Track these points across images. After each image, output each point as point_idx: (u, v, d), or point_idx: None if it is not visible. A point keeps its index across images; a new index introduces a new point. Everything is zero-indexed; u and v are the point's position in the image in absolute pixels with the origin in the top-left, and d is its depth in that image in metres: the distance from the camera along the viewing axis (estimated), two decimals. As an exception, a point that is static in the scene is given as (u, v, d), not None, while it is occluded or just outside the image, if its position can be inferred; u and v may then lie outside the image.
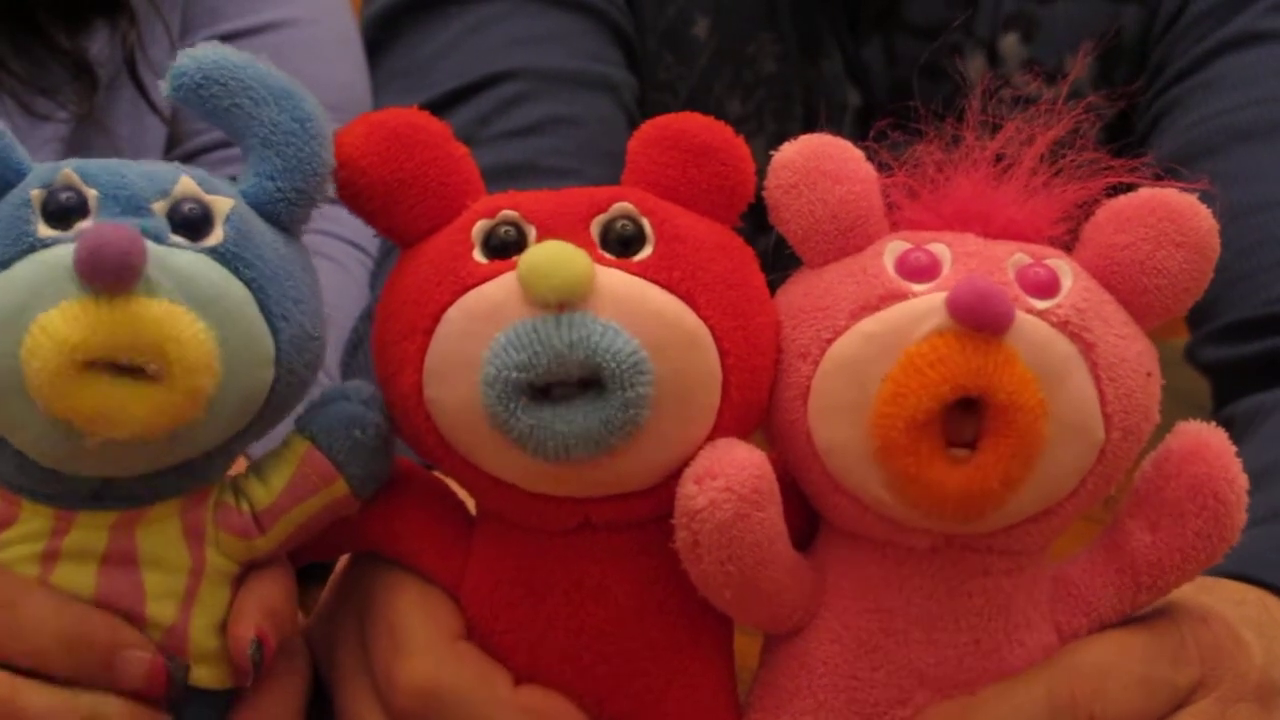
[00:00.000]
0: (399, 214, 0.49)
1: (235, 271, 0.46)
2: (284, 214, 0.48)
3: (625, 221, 0.47)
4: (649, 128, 0.51)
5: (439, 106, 0.86)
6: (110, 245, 0.42)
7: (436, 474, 0.53)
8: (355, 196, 0.49)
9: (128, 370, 0.43)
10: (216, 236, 0.46)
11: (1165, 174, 0.49)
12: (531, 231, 0.47)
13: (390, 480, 0.52)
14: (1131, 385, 0.46)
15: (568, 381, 0.44)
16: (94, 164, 0.46)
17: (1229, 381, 0.79)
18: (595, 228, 0.47)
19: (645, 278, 0.46)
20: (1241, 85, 0.83)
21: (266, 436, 0.50)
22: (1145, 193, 0.48)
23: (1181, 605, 0.50)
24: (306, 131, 0.48)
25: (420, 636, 0.49)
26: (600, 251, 0.47)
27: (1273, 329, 0.76)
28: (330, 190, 0.49)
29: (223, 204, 0.46)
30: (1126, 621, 0.49)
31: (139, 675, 0.48)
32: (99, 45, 0.81)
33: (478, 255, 0.47)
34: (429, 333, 0.46)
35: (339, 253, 0.88)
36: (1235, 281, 0.77)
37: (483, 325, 0.45)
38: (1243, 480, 0.48)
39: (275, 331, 0.46)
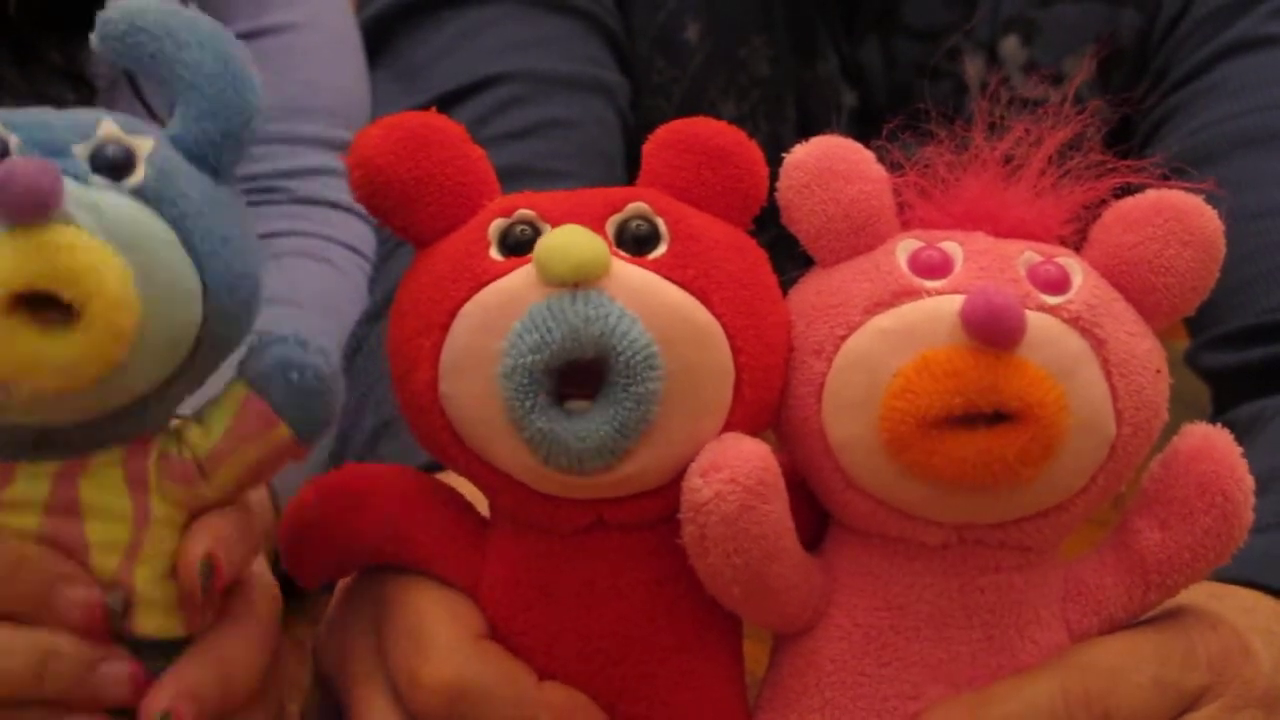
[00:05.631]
0: (415, 213, 0.49)
1: (157, 210, 0.46)
2: (210, 155, 0.48)
3: (640, 221, 0.48)
4: (664, 131, 0.51)
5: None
6: (22, 175, 0.43)
7: (445, 479, 0.53)
8: (372, 196, 0.49)
9: (51, 316, 0.43)
10: (138, 176, 0.46)
11: (1171, 175, 0.50)
12: (547, 230, 0.47)
13: (393, 489, 0.52)
14: (1142, 381, 0.47)
15: (582, 359, 0.44)
16: (18, 112, 0.47)
17: (1230, 387, 0.79)
18: (610, 227, 0.47)
19: (660, 275, 0.46)
20: (1243, 91, 0.83)
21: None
22: (1152, 194, 0.49)
23: (1191, 611, 0.50)
24: (230, 71, 0.48)
25: (443, 636, 0.49)
26: (615, 249, 0.47)
27: (1273, 336, 0.76)
28: (255, 132, 0.49)
29: (144, 144, 0.47)
30: (1136, 624, 0.50)
31: (76, 609, 0.48)
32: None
33: (494, 253, 0.47)
34: (445, 328, 0.46)
35: (337, 257, 0.88)
36: (1236, 288, 0.77)
37: (499, 317, 0.45)
38: (1249, 480, 0.48)
39: (202, 269, 0.46)
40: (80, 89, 0.80)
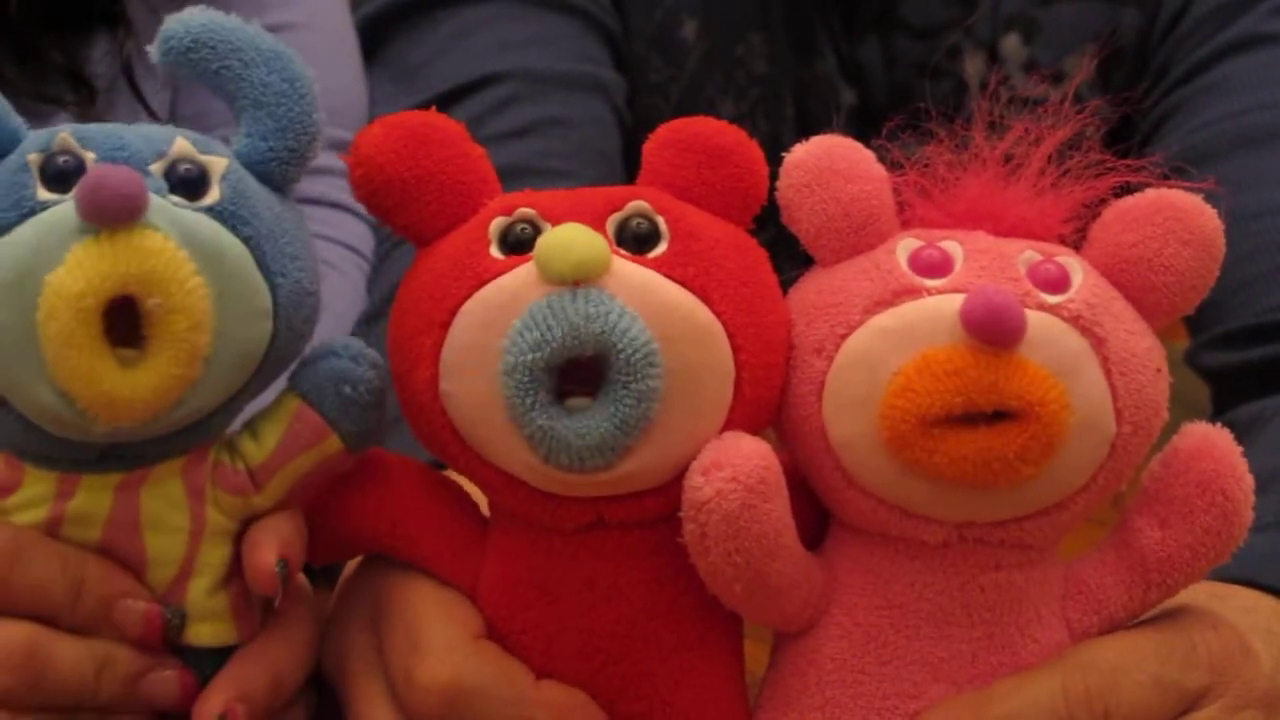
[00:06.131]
0: (416, 211, 0.49)
1: (233, 229, 0.46)
2: (276, 173, 0.49)
3: (640, 219, 0.48)
4: (664, 130, 0.51)
5: None
6: (111, 180, 0.43)
7: (448, 475, 0.53)
8: (373, 195, 0.50)
9: (127, 355, 0.44)
10: (213, 196, 0.47)
11: (1171, 174, 0.50)
12: (548, 228, 0.47)
13: (401, 482, 0.52)
14: (1142, 380, 0.47)
15: (582, 356, 0.44)
16: (91, 128, 0.47)
17: (1230, 387, 0.79)
18: (611, 225, 0.48)
19: (660, 273, 0.46)
20: (1245, 89, 0.83)
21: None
22: (1151, 193, 0.49)
23: (1192, 610, 0.50)
24: (296, 91, 0.49)
25: (441, 637, 0.49)
26: (616, 248, 0.47)
27: (1273, 336, 0.76)
28: (319, 150, 0.50)
29: (218, 164, 0.47)
30: (1137, 624, 0.50)
31: (136, 623, 0.48)
32: (100, 51, 0.81)
33: (494, 251, 0.47)
34: (445, 326, 0.46)
35: (336, 257, 0.87)
36: (1236, 288, 0.77)
37: (499, 314, 0.45)
38: (1249, 479, 0.48)
39: (273, 287, 0.47)
40: (80, 89, 0.80)
